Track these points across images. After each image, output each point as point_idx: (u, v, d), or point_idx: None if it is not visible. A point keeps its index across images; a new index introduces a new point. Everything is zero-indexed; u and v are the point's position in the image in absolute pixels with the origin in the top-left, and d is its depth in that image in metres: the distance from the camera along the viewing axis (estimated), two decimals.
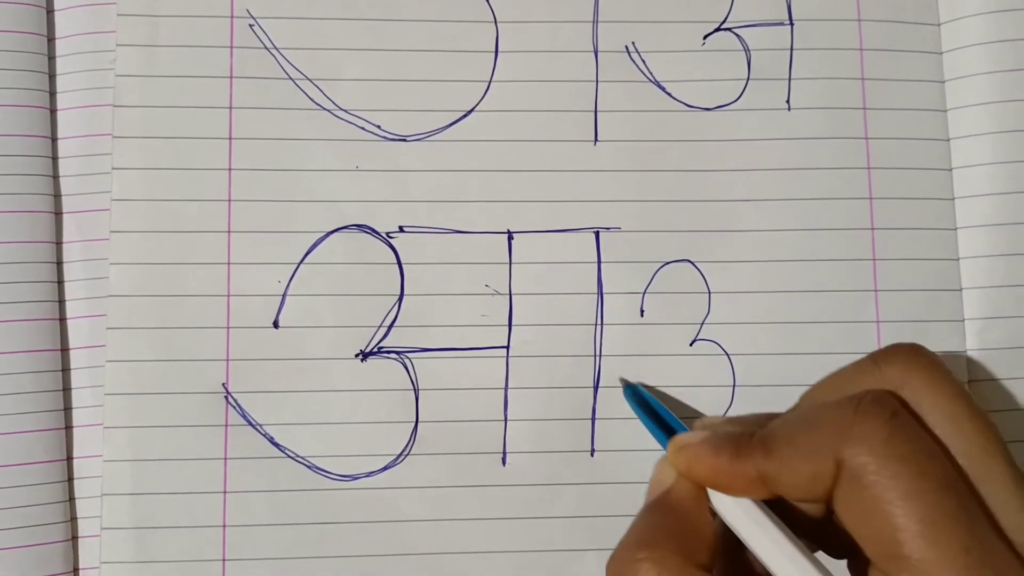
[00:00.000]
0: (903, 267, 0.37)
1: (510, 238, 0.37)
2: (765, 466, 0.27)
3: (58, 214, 0.37)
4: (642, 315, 0.37)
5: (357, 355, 0.36)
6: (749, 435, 0.28)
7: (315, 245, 0.36)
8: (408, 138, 0.37)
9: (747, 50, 0.38)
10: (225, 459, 0.35)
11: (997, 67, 0.38)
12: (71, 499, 0.36)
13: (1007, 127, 0.37)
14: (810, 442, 0.26)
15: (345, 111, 0.37)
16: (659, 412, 0.33)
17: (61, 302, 0.37)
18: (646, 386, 0.36)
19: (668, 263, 0.37)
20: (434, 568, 0.35)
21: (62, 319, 0.37)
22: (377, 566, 0.35)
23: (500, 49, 0.38)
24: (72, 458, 0.37)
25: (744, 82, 0.38)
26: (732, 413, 0.36)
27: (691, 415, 0.37)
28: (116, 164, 0.36)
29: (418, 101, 0.37)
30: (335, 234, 0.37)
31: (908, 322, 0.37)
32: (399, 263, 0.37)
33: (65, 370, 0.37)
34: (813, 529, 0.28)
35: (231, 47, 0.37)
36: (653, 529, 0.29)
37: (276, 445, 0.36)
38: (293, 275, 0.36)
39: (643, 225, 0.37)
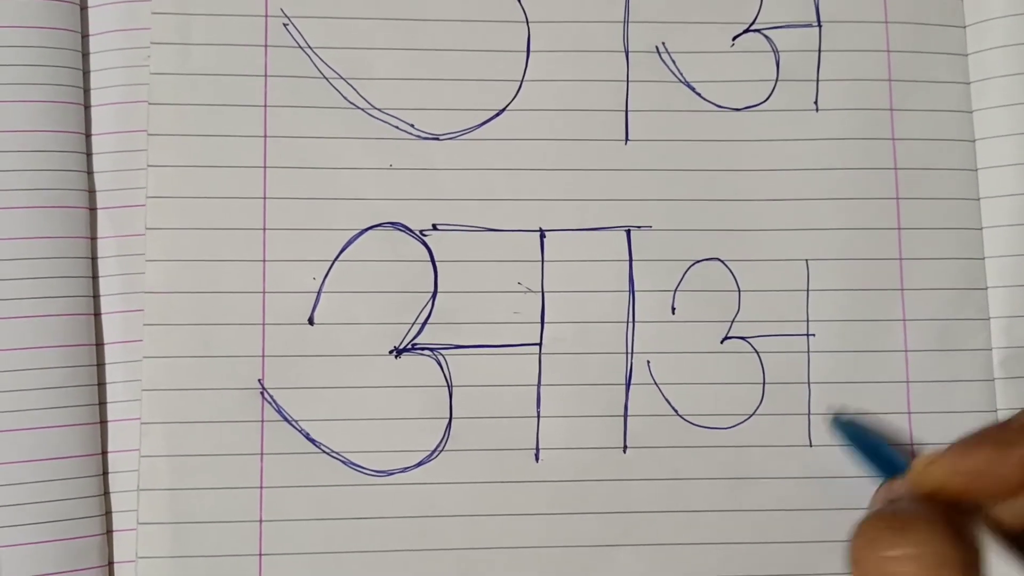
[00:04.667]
0: (930, 266, 0.38)
1: (542, 236, 0.37)
2: None
3: (92, 210, 0.38)
4: (673, 313, 0.37)
5: (391, 352, 0.36)
6: (1006, 424, 0.27)
7: (349, 243, 0.37)
8: (441, 137, 0.37)
9: (776, 51, 0.38)
10: (261, 454, 0.36)
11: (1022, 69, 0.38)
12: (106, 493, 0.37)
13: None
14: None
15: (378, 110, 0.37)
16: (877, 447, 0.33)
17: (96, 297, 0.37)
18: (856, 417, 0.36)
19: (698, 261, 0.37)
20: (468, 563, 0.36)
21: (96, 314, 0.37)
22: (411, 561, 0.36)
23: (532, 49, 0.38)
24: (107, 452, 0.37)
25: (773, 83, 0.38)
26: (763, 411, 0.37)
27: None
28: (151, 161, 0.37)
29: (450, 100, 0.38)
30: (369, 232, 0.37)
31: (935, 320, 0.37)
32: (432, 261, 0.37)
33: (100, 365, 0.37)
34: None
35: (265, 46, 0.37)
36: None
37: (312, 441, 0.36)
38: (328, 272, 0.37)
39: (674, 224, 0.38)
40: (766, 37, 0.39)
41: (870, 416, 0.37)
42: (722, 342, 0.37)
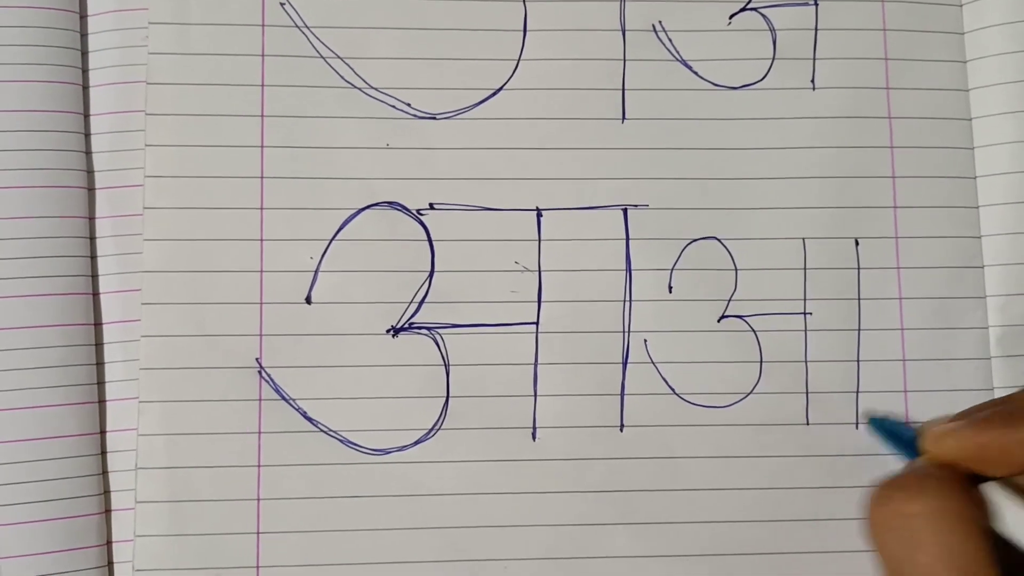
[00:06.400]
0: (926, 245, 0.38)
1: (539, 215, 0.37)
2: None
3: (90, 189, 0.38)
4: (670, 291, 0.37)
5: (388, 331, 0.37)
6: (1012, 403, 0.28)
7: (347, 222, 0.37)
8: (438, 116, 0.37)
9: (772, 30, 0.38)
10: (259, 433, 0.36)
11: (1019, 47, 0.38)
12: (104, 472, 0.37)
13: None
14: None
15: (375, 89, 0.37)
16: (902, 434, 0.34)
17: (94, 276, 0.37)
18: (889, 416, 0.36)
19: (695, 240, 0.37)
20: (464, 542, 0.36)
21: (95, 293, 0.37)
22: (408, 539, 0.36)
23: (529, 28, 0.38)
24: (105, 432, 0.37)
25: (769, 62, 0.38)
26: (760, 390, 0.37)
27: None
28: (149, 141, 0.37)
29: (447, 79, 0.38)
30: (366, 211, 0.37)
31: (930, 299, 0.37)
32: (429, 240, 0.37)
33: (98, 344, 0.37)
34: None
35: (263, 25, 0.37)
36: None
37: (309, 419, 0.36)
38: (325, 251, 0.37)
39: (670, 203, 0.38)
40: (763, 16, 0.38)
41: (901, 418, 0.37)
42: (719, 321, 0.37)
